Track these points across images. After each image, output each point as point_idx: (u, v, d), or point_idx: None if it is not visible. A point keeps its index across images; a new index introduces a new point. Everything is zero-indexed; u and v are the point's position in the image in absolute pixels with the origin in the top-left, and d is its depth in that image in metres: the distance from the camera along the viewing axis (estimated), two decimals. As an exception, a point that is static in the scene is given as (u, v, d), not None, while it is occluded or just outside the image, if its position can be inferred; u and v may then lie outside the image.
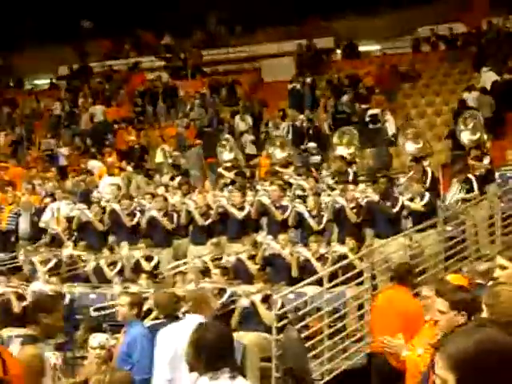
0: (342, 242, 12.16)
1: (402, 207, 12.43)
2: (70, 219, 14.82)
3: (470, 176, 13.21)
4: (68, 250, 13.59)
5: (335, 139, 16.37)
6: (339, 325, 10.90)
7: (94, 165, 19.87)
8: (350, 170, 14.85)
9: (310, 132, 19.30)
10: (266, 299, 10.31)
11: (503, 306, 4.10)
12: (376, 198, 12.64)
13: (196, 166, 18.78)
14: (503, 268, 5.47)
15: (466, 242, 12.85)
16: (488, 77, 19.99)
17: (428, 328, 6.27)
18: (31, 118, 25.65)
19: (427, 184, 13.15)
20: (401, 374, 6.34)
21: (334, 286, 11.07)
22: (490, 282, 5.73)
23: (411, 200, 12.51)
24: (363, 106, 20.64)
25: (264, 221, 13.55)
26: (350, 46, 25.84)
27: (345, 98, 21.53)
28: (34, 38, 29.71)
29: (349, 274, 11.18)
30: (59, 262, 13.46)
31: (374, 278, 11.58)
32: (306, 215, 12.89)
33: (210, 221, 13.68)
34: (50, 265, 13.39)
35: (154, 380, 6.91)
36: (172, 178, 16.46)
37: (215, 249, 12.78)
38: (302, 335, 9.90)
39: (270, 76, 25.31)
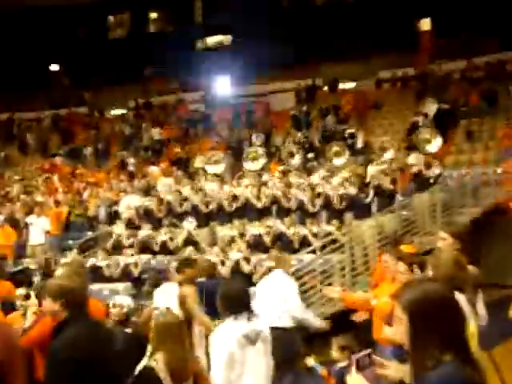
0: (329, 222, 12.19)
1: (372, 198, 12.44)
2: (137, 208, 14.92)
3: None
4: (144, 232, 13.66)
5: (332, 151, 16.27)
6: (327, 281, 10.95)
7: (153, 170, 19.95)
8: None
9: (306, 146, 19.26)
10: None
11: (442, 265, 4.13)
12: (354, 191, 12.67)
13: (227, 170, 18.70)
14: (443, 239, 5.50)
15: (415, 223, 12.89)
16: (430, 105, 19.95)
17: (387, 283, 6.29)
18: (109, 137, 25.74)
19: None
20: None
21: (324, 254, 11.13)
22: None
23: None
24: (343, 127, 20.61)
25: (274, 208, 13.55)
26: (333, 84, 25.77)
27: (330, 120, 21.51)
28: (111, 81, 29.81)
29: (334, 246, 11.24)
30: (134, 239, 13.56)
31: (352, 248, 11.63)
32: (306, 201, 12.89)
33: (234, 207, 13.69)
34: (129, 241, 13.48)
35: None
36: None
37: (239, 227, 12.80)
38: (301, 289, 9.95)
39: (276, 106, 25.29)
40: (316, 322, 7.54)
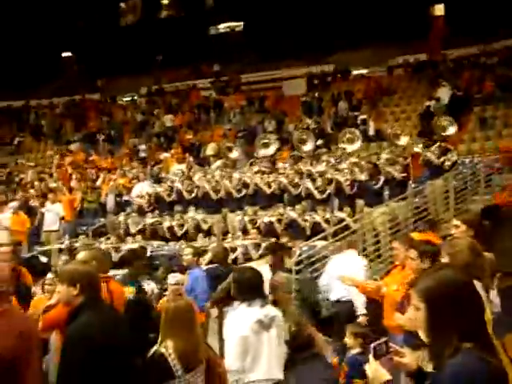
0: (340, 209, 12.15)
1: (383, 185, 12.35)
2: (149, 194, 14.92)
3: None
4: (151, 219, 13.68)
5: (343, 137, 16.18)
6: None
7: (166, 156, 19.96)
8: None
9: (317, 131, 19.16)
10: (288, 250, 10.36)
11: (459, 253, 4.09)
12: (363, 177, 12.59)
13: (241, 153, 18.66)
14: (457, 227, 5.46)
15: (428, 210, 12.82)
16: (444, 91, 19.81)
17: (397, 271, 6.27)
18: (121, 124, 25.75)
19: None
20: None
21: (336, 241, 11.09)
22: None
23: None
24: (355, 113, 20.50)
25: (285, 195, 13.48)
26: (345, 71, 25.65)
27: (342, 107, 21.41)
28: (124, 67, 29.79)
29: (346, 232, 11.20)
30: (144, 225, 13.59)
31: (364, 235, 11.59)
32: (312, 189, 12.84)
33: (242, 194, 13.61)
34: (140, 226, 13.50)
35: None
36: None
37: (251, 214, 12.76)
38: (313, 275, 9.95)
39: (288, 92, 25.17)
40: (362, 308, 7.68)
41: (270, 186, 13.37)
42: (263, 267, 7.06)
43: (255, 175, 13.94)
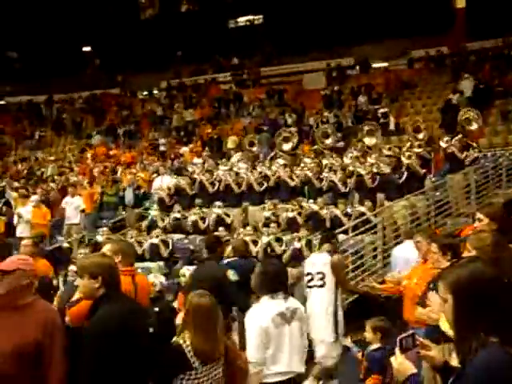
0: (361, 203, 12.08)
1: (405, 179, 12.25)
2: (169, 187, 14.95)
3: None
4: (176, 214, 13.69)
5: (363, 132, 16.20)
6: (359, 262, 10.90)
7: (185, 150, 19.99)
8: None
9: (336, 125, 19.08)
10: (309, 243, 10.34)
11: (489, 247, 4.02)
12: (387, 170, 12.50)
13: (265, 145, 18.69)
14: (480, 220, 5.38)
15: (449, 204, 12.71)
16: (467, 82, 19.63)
17: (419, 265, 6.22)
18: (141, 118, 25.84)
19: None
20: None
21: (356, 235, 11.05)
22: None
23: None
24: (375, 107, 20.38)
25: (305, 188, 13.43)
26: (365, 64, 25.48)
27: (362, 100, 21.28)
28: (143, 61, 29.90)
29: (366, 226, 11.14)
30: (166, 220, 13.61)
31: (384, 228, 11.52)
32: (337, 181, 12.79)
33: (264, 187, 13.57)
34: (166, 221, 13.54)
35: None
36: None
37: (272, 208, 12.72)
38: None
39: (308, 85, 25.06)
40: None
41: (292, 179, 13.34)
42: (323, 255, 7.41)
43: (280, 168, 13.90)
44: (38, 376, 3.61)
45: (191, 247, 12.29)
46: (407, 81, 22.66)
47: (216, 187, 14.06)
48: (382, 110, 19.58)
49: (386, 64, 25.61)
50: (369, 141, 15.61)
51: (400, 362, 2.57)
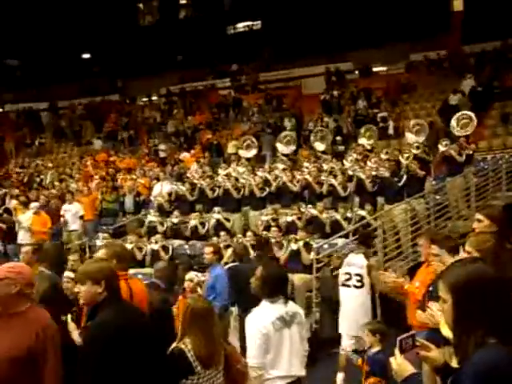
0: (361, 207, 12.06)
1: (405, 183, 12.22)
2: (170, 193, 14.92)
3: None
4: (175, 219, 13.68)
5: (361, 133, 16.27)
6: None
7: (186, 155, 19.99)
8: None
9: (335, 129, 19.11)
10: (306, 245, 10.31)
11: (489, 248, 4.01)
12: (387, 174, 12.48)
13: (268, 148, 18.70)
14: (480, 221, 5.36)
15: (449, 207, 12.68)
16: (467, 82, 19.66)
17: (423, 268, 6.20)
18: (141, 124, 25.85)
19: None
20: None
21: (356, 239, 11.01)
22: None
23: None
24: (375, 111, 20.38)
25: (305, 193, 13.42)
26: (364, 69, 25.52)
27: (362, 105, 21.29)
28: (142, 68, 29.93)
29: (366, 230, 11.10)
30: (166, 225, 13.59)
31: (384, 232, 11.49)
32: (336, 185, 12.77)
33: (266, 193, 13.57)
34: (165, 226, 13.53)
35: None
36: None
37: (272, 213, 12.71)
38: (333, 274, 9.88)
39: (307, 90, 25.06)
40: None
41: (294, 184, 13.33)
42: (360, 257, 7.95)
43: (282, 172, 13.91)
44: (33, 382, 3.61)
45: (191, 253, 12.29)
46: (406, 85, 22.65)
47: (216, 193, 14.05)
48: (381, 114, 19.59)
49: (385, 68, 25.63)
50: (367, 143, 15.63)
51: (399, 363, 2.55)
